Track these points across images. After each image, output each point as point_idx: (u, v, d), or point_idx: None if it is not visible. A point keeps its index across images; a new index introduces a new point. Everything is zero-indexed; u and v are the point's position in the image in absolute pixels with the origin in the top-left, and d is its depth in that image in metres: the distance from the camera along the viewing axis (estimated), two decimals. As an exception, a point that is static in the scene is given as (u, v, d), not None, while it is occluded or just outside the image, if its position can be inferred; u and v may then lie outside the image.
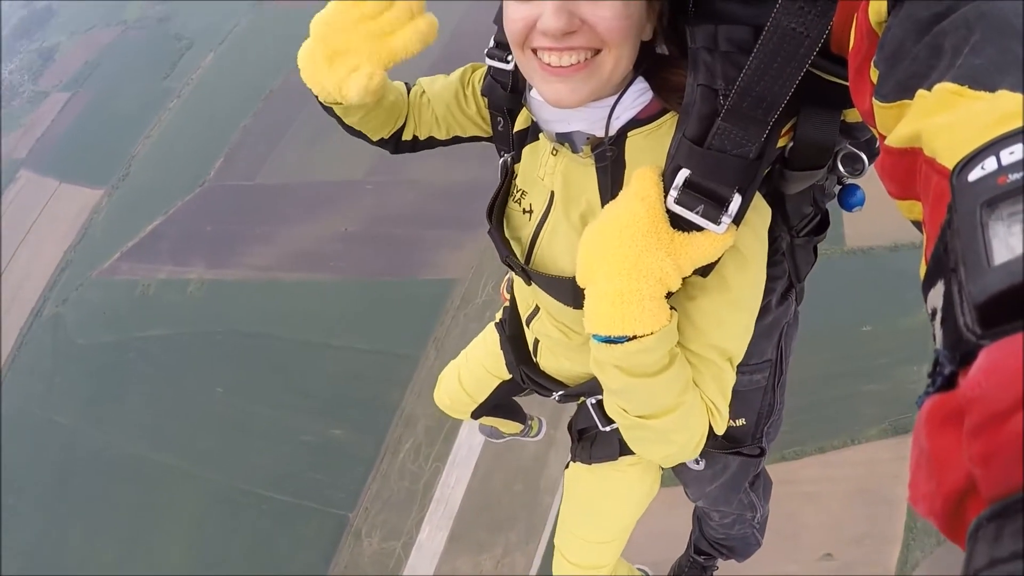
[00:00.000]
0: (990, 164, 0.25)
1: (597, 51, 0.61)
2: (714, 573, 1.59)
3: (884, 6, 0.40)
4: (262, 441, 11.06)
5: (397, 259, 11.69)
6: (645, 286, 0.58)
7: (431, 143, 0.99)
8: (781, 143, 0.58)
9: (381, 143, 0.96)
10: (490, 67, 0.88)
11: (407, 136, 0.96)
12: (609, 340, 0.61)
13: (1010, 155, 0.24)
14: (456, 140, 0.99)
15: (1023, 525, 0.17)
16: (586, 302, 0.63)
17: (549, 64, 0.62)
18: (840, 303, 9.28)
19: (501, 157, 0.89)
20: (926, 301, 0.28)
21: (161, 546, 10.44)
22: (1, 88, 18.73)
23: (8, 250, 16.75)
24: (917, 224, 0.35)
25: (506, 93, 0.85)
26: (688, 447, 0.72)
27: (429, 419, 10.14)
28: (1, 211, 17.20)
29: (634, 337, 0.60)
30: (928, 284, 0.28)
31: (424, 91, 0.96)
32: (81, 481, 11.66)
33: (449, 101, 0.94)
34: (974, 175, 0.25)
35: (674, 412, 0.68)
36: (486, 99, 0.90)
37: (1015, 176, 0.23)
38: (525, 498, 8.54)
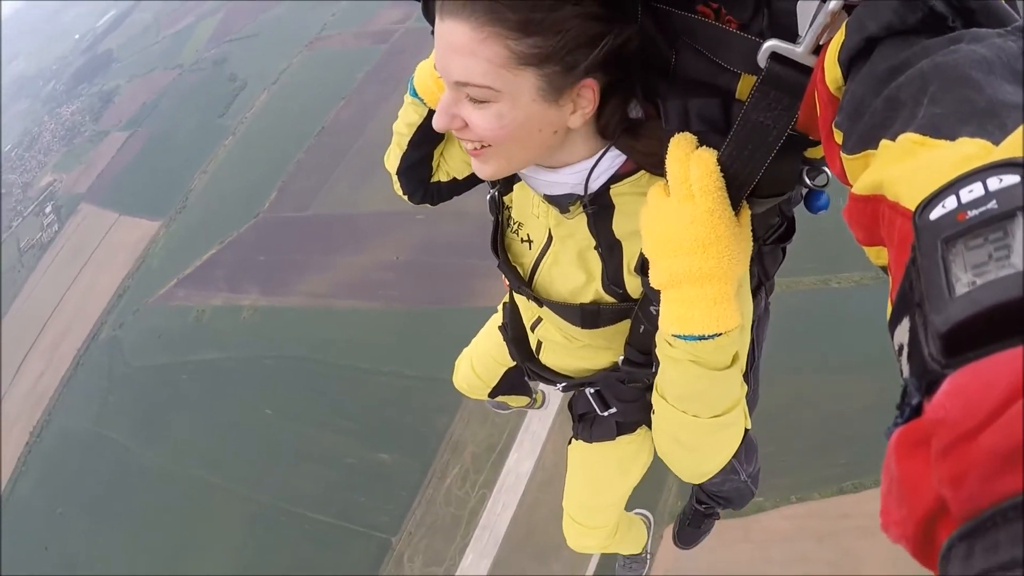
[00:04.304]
0: (950, 202, 0.26)
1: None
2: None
3: (839, 73, 0.42)
4: (309, 463, 11.21)
5: (447, 288, 11.94)
6: (732, 286, 0.61)
7: (449, 187, 1.05)
8: None
9: (420, 184, 1.02)
10: None
11: (436, 178, 1.03)
12: (699, 337, 0.63)
13: (969, 193, 0.25)
14: (455, 184, 1.04)
15: (994, 542, 0.17)
16: (669, 304, 0.63)
17: None
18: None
19: (489, 192, 0.92)
20: (892, 339, 0.29)
21: (204, 562, 10.61)
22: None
23: (68, 277, 17.49)
24: (884, 269, 0.36)
25: None
26: (739, 437, 0.76)
27: (477, 446, 10.33)
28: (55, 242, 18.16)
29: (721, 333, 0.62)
30: (894, 322, 0.29)
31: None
32: (130, 495, 11.96)
33: (451, 139, 1.00)
34: (935, 214, 0.26)
35: (740, 402, 0.72)
36: None
37: (973, 212, 0.24)
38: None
